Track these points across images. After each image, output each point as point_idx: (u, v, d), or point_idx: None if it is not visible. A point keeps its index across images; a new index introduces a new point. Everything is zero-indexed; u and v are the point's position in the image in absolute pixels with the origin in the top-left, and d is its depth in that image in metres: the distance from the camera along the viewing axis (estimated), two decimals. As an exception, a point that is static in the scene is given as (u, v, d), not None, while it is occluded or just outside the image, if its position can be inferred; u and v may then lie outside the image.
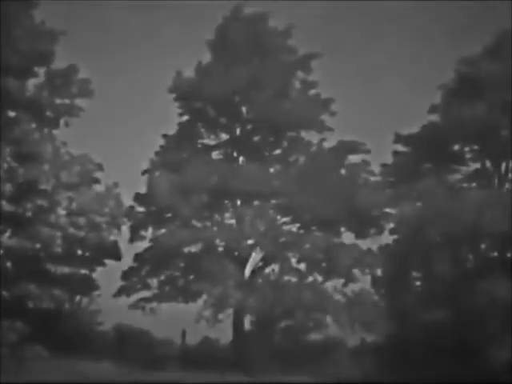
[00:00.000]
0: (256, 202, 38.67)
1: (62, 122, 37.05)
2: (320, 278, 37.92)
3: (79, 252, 36.14)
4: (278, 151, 40.37)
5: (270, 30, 39.87)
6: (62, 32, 36.60)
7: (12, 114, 36.06)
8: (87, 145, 37.35)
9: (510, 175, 38.20)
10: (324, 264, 37.45)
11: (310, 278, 37.98)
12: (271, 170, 39.64)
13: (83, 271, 36.51)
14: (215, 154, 40.81)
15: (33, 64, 36.46)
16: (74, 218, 35.01)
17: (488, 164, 38.58)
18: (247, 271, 38.56)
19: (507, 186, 38.11)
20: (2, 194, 33.65)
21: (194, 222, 37.99)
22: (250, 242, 37.68)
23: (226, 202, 39.07)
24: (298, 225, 39.01)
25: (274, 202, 38.62)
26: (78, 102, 37.08)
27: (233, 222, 38.73)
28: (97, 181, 37.40)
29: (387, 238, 38.89)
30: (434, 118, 39.49)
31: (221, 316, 36.53)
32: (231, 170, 38.16)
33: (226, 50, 39.79)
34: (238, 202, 39.02)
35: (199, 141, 40.66)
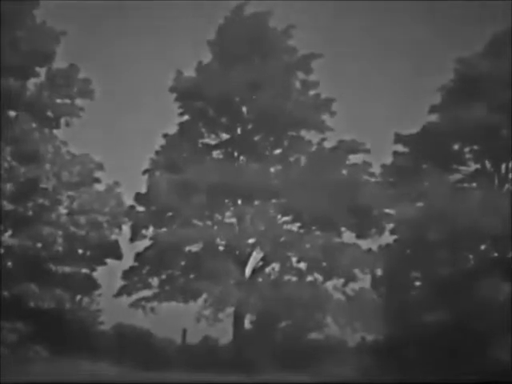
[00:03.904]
0: (256, 202, 38.69)
1: (62, 121, 37.12)
2: (320, 278, 37.97)
3: (80, 251, 36.15)
4: (278, 151, 40.40)
5: (271, 30, 39.96)
6: (63, 32, 36.67)
7: (12, 113, 36.17)
8: (88, 144, 37.41)
9: (510, 175, 38.22)
10: (324, 264, 37.42)
11: (310, 278, 38.05)
12: (272, 169, 39.65)
13: (84, 270, 36.57)
14: (216, 154, 40.87)
15: (34, 64, 36.50)
16: (74, 217, 35.08)
17: (488, 164, 38.62)
18: (248, 270, 38.61)
19: (507, 186, 38.12)
20: (2, 193, 33.71)
21: (195, 221, 37.99)
22: (250, 241, 37.73)
23: (227, 201, 39.06)
24: (298, 224, 39.00)
25: (274, 201, 38.60)
26: (79, 101, 37.21)
27: (233, 221, 38.73)
28: (97, 180, 37.43)
29: (388, 238, 39.03)
30: (434, 118, 39.56)
31: (221, 315, 36.60)
32: (232, 170, 38.19)
33: (227, 50, 39.88)
34: (239, 202, 39.04)
35: (200, 140, 40.69)
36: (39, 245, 33.98)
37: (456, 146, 39.26)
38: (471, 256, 37.16)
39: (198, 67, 40.14)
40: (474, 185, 38.87)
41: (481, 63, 37.84)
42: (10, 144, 34.71)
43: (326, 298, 37.22)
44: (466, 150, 39.30)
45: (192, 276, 37.65)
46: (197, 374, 32.85)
